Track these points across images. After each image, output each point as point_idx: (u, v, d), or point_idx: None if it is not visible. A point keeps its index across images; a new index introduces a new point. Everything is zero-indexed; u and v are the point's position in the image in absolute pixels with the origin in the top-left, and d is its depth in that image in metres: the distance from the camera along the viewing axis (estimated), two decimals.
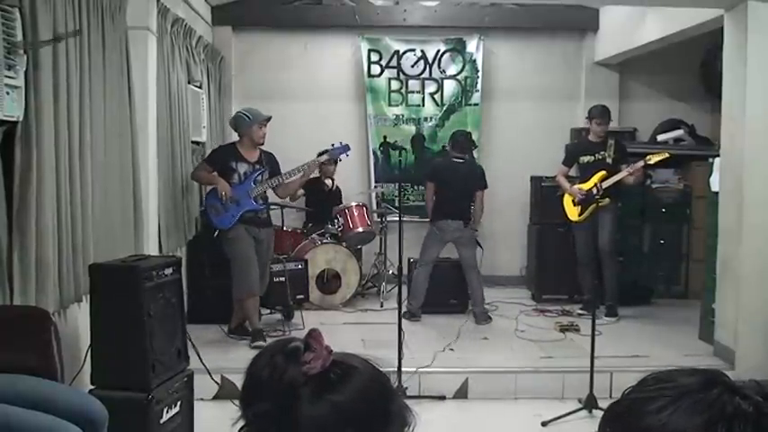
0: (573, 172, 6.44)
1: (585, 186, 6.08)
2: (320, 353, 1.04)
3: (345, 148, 5.63)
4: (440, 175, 6.19)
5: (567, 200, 6.26)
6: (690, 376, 0.86)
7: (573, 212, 6.21)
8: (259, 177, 5.36)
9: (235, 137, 5.60)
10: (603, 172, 5.98)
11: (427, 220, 6.31)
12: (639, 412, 0.84)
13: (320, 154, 5.79)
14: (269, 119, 5.38)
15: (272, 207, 5.84)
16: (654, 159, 5.83)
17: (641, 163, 5.85)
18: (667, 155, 5.95)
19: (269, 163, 5.44)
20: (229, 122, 5.59)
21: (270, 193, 5.57)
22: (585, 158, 6.20)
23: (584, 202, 6.04)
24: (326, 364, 1.03)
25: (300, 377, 1.02)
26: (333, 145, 5.61)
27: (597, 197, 5.79)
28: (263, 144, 5.40)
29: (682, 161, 7.09)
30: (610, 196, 6.01)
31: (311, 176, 5.90)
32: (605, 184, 5.96)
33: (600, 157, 6.07)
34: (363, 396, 1.04)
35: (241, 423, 1.08)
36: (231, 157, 5.35)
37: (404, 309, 5.33)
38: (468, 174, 6.16)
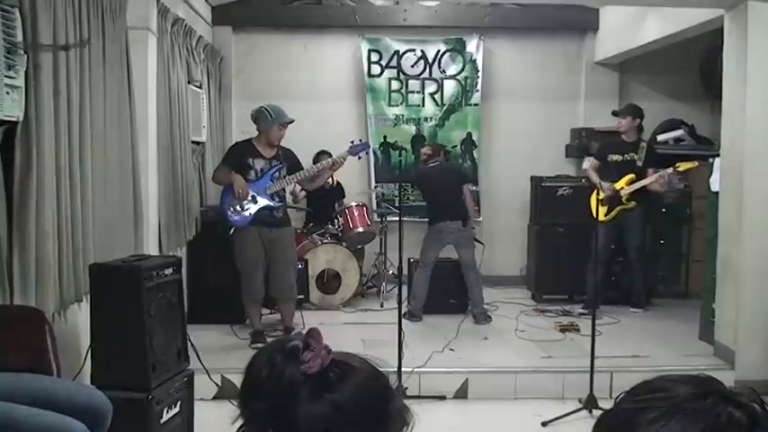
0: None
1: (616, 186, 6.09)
2: (319, 352, 1.04)
3: (365, 146, 5.58)
4: (420, 184, 6.42)
5: (594, 198, 6.22)
6: (683, 384, 0.84)
7: (599, 212, 6.17)
8: (276, 174, 5.27)
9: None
10: (632, 175, 5.98)
11: (427, 219, 6.30)
12: (632, 423, 0.83)
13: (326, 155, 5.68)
14: (291, 121, 5.30)
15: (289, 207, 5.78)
16: (683, 167, 5.83)
17: (670, 170, 5.85)
18: (696, 164, 5.92)
19: (287, 159, 5.35)
20: (251, 114, 5.42)
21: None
22: (615, 157, 6.19)
23: (611, 202, 6.04)
24: (325, 363, 1.03)
25: (299, 376, 1.02)
26: (352, 142, 5.51)
27: (623, 200, 5.81)
28: (278, 145, 5.32)
29: (682, 161, 7.08)
30: (637, 200, 6.02)
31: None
32: (631, 188, 5.95)
33: (629, 158, 6.06)
34: (362, 395, 1.04)
35: (240, 422, 1.08)
36: (247, 153, 5.28)
37: (404, 309, 5.36)
38: (444, 174, 6.19)
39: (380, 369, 1.11)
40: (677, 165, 5.84)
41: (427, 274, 6.14)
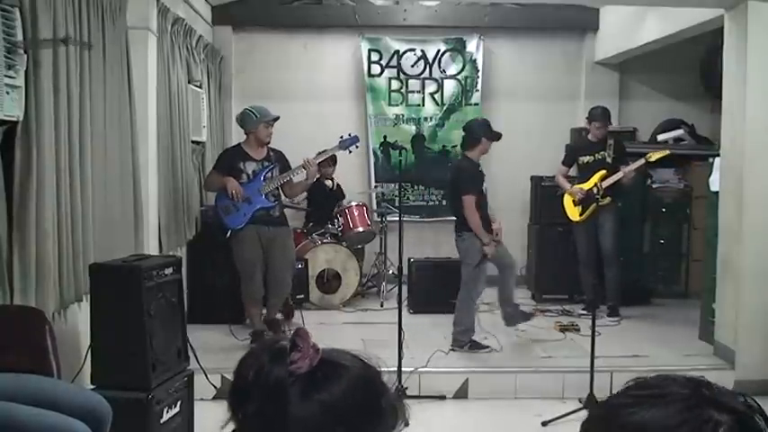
0: (572, 172, 6.44)
1: (586, 186, 6.08)
2: (307, 351, 1.02)
3: (354, 140, 5.57)
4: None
5: (568, 200, 6.25)
6: (674, 385, 0.85)
7: (574, 213, 6.20)
8: (269, 174, 5.29)
9: (236, 137, 5.57)
10: (603, 171, 5.99)
11: (427, 219, 6.28)
12: (617, 414, 0.85)
13: (319, 153, 5.75)
14: (276, 119, 5.33)
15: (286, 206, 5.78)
16: (654, 157, 5.85)
17: (642, 161, 5.87)
18: (668, 152, 5.97)
19: (278, 160, 5.37)
20: (236, 119, 5.48)
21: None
22: (585, 158, 6.21)
23: (584, 201, 6.04)
24: (314, 363, 1.02)
25: (287, 377, 1.01)
26: (342, 137, 5.56)
27: (598, 197, 5.81)
28: (268, 143, 5.35)
29: (682, 161, 7.09)
30: (611, 196, 6.03)
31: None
32: (605, 184, 5.97)
33: (600, 156, 6.07)
34: (353, 394, 1.02)
35: (231, 426, 1.07)
36: (237, 157, 5.30)
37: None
38: (452, 174, 5.45)
39: (371, 364, 1.09)
40: (648, 155, 5.85)
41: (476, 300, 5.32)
